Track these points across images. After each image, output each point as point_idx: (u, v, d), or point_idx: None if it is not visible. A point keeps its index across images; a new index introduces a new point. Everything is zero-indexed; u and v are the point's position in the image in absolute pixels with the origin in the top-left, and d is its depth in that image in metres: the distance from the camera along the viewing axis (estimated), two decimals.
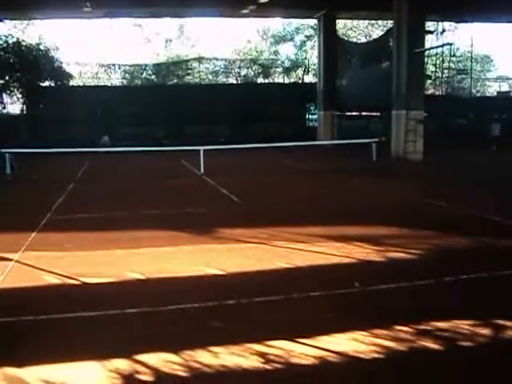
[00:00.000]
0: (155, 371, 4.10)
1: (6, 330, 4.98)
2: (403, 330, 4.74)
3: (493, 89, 47.31)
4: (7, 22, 32.53)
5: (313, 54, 40.01)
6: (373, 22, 41.72)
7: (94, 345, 4.56)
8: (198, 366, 4.18)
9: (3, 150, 16.48)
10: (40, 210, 10.91)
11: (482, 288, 6.03)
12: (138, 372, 4.09)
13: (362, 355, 4.32)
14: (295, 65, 41.32)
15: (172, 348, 4.45)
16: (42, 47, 31.02)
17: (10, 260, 7.19)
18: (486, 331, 4.73)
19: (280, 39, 44.88)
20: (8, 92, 30.18)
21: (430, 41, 24.99)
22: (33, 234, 8.79)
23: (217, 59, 38.24)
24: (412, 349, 4.43)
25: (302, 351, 4.39)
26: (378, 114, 29.51)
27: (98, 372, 4.10)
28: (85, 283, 6.25)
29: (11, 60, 29.32)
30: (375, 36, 37.41)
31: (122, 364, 4.21)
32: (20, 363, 4.22)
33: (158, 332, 4.87)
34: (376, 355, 4.32)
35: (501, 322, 4.94)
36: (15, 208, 11.68)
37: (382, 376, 4.07)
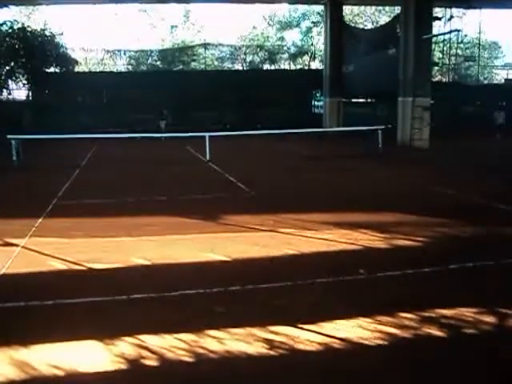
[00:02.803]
0: (160, 356, 4.13)
1: (13, 314, 5.02)
2: (408, 317, 4.75)
3: (500, 76, 46.91)
4: (12, 7, 32.42)
5: (319, 41, 39.75)
6: (380, 7, 41.42)
7: (100, 329, 4.59)
8: (202, 351, 4.20)
9: (9, 136, 16.51)
10: (46, 195, 10.95)
11: (487, 276, 6.02)
12: (142, 357, 4.12)
13: (366, 342, 4.34)
14: (301, 51, 41.09)
15: (177, 333, 4.48)
16: (47, 33, 30.90)
17: (17, 246, 7.23)
18: (490, 319, 4.73)
19: (286, 25, 44.48)
20: (13, 78, 30.13)
21: (437, 27, 24.77)
22: (39, 220, 8.83)
23: (222, 45, 38.06)
24: (416, 336, 4.44)
25: (306, 337, 4.41)
26: (385, 100, 29.31)
27: (104, 356, 4.13)
28: (91, 269, 6.28)
29: (16, 46, 29.24)
30: (382, 22, 37.09)
31: (127, 348, 4.24)
32: (27, 347, 4.26)
33: (162, 317, 4.90)
34: (380, 342, 4.33)
35: (506, 310, 4.94)
36: (21, 194, 11.72)
37: (387, 363, 4.08)
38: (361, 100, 31.38)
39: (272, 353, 4.18)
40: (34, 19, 37.53)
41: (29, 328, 4.68)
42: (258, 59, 38.60)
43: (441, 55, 29.18)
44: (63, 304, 5.23)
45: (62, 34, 31.86)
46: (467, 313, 4.84)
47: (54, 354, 4.18)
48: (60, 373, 3.90)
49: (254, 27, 45.57)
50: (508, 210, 9.55)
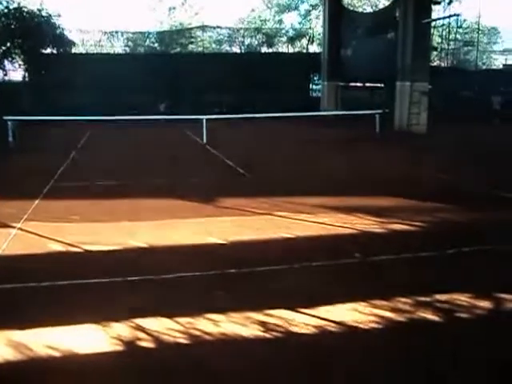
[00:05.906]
0: (156, 338, 4.15)
1: (10, 296, 5.03)
2: (403, 301, 4.78)
3: (499, 61, 46.75)
4: None
5: (318, 24, 39.46)
6: None
7: (97, 311, 4.61)
8: (198, 333, 4.22)
9: (5, 118, 16.41)
10: (43, 177, 10.91)
11: (484, 261, 6.04)
12: (138, 338, 4.14)
13: (361, 325, 4.36)
14: (300, 34, 40.76)
15: (173, 315, 4.49)
16: (43, 13, 30.50)
17: (13, 228, 7.22)
18: (485, 304, 4.76)
19: (285, 8, 44.11)
20: (10, 59, 29.84)
21: (436, 11, 24.62)
22: (35, 202, 8.81)
23: (220, 28, 37.72)
24: (411, 320, 4.47)
25: (302, 320, 4.43)
26: (383, 85, 29.20)
27: (100, 338, 4.15)
28: (88, 251, 6.29)
29: (12, 26, 28.90)
30: (381, 6, 36.82)
31: (124, 330, 4.26)
32: (24, 329, 4.28)
33: (159, 299, 4.91)
34: (375, 325, 4.36)
35: (501, 295, 4.97)
36: (18, 175, 11.67)
37: (381, 345, 4.11)
38: (359, 84, 31.23)
39: (267, 335, 4.21)
40: None
41: (25, 310, 4.69)
42: (256, 42, 38.33)
43: (440, 40, 29.02)
44: (60, 286, 5.24)
45: (59, 15, 31.49)
46: (463, 297, 4.87)
47: (51, 335, 4.19)
48: (56, 354, 3.92)
49: (252, 10, 45.27)
50: (505, 195, 9.56)
